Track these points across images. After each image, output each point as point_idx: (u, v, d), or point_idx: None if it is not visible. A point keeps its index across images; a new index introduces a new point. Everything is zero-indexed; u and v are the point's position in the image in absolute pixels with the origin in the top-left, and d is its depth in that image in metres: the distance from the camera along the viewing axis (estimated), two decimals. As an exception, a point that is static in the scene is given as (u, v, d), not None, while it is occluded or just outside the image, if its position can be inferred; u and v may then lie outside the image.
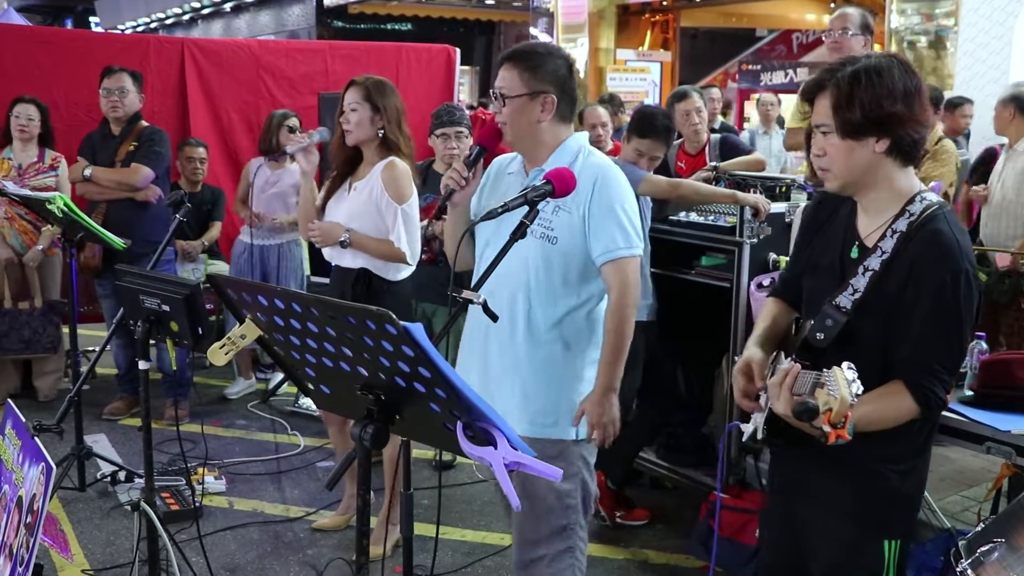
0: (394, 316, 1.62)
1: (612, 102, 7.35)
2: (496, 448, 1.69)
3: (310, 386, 2.07)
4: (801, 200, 4.04)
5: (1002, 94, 5.60)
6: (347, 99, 3.66)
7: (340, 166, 3.81)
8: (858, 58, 2.10)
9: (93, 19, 24.63)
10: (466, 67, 16.53)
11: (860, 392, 1.74)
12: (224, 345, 2.11)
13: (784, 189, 4.08)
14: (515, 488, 1.74)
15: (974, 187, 5.64)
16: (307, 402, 5.44)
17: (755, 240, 3.82)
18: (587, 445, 2.73)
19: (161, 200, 5.17)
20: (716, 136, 5.28)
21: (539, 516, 2.69)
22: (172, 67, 6.32)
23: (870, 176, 2.10)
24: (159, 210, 5.17)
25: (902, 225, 2.08)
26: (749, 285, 3.79)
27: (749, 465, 3.86)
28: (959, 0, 8.79)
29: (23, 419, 2.61)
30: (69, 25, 25.04)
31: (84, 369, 4.55)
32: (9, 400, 3.08)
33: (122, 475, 4.45)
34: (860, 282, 2.09)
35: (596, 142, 4.95)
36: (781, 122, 9.14)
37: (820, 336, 2.12)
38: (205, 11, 21.10)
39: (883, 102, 2.02)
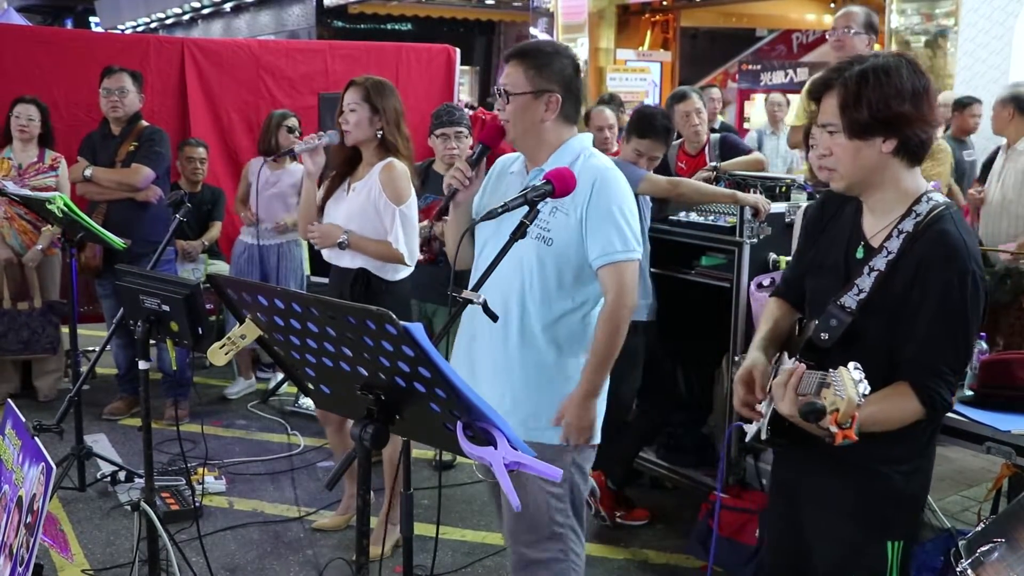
0: (394, 316, 1.62)
1: (612, 102, 7.33)
2: (496, 448, 1.69)
3: (310, 386, 2.07)
4: (801, 200, 4.03)
5: (1000, 94, 5.61)
6: (346, 99, 3.67)
7: (339, 166, 3.80)
8: (866, 57, 2.08)
9: (93, 19, 24.57)
10: (466, 67, 16.50)
11: (867, 392, 1.73)
12: (224, 345, 2.11)
13: (784, 189, 4.08)
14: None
15: (970, 190, 5.64)
16: (307, 402, 5.44)
17: (755, 240, 3.82)
18: (582, 449, 2.68)
19: (161, 200, 5.17)
20: (716, 136, 5.29)
21: (528, 520, 2.66)
22: (172, 67, 6.32)
23: (877, 176, 2.09)
24: (159, 210, 5.17)
25: (908, 225, 2.06)
26: (749, 285, 3.79)
27: (749, 465, 3.85)
28: (959, 0, 8.78)
29: (23, 419, 2.60)
30: (69, 25, 24.97)
31: (84, 369, 4.55)
32: (9, 400, 3.07)
33: (122, 475, 4.45)
34: (865, 282, 2.08)
35: (602, 144, 4.87)
36: (790, 123, 9.11)
37: (824, 336, 2.11)
38: (205, 11, 21.06)
39: (891, 102, 2.00)
